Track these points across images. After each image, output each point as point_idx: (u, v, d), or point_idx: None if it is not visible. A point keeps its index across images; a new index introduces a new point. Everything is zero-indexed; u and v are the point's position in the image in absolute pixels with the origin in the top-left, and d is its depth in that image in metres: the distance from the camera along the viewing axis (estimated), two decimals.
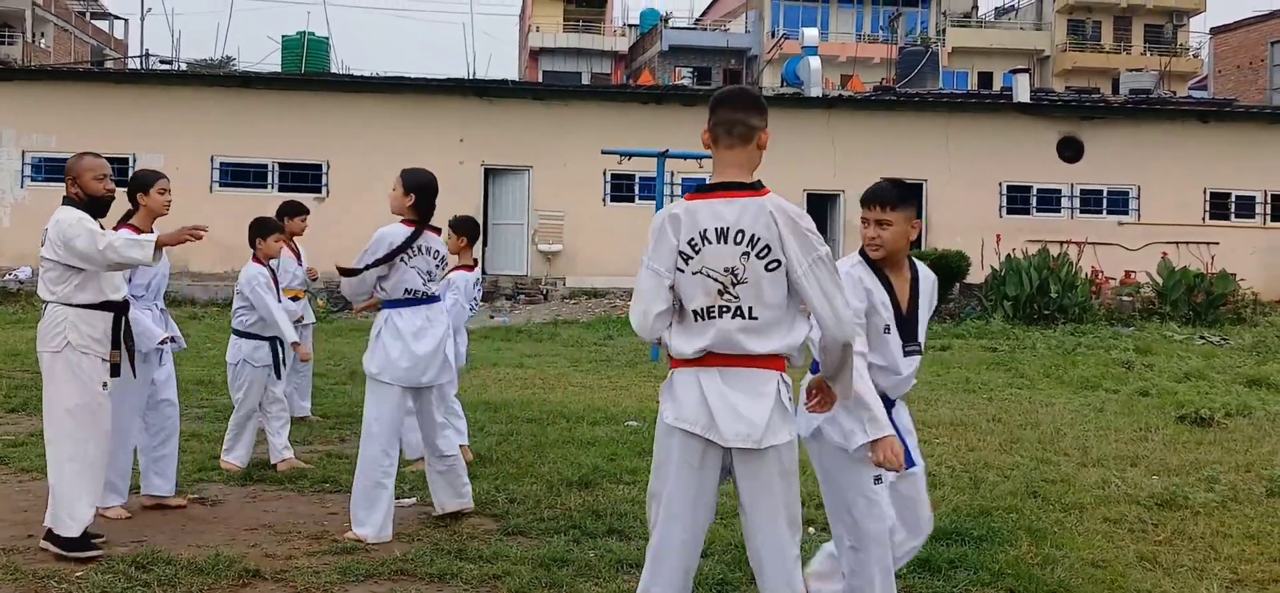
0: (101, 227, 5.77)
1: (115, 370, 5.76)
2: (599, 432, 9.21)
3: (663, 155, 17.53)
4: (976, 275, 23.34)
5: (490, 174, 25.39)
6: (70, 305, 5.63)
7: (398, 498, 6.99)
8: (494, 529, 6.30)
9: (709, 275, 3.65)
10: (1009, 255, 21.60)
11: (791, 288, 3.65)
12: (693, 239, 3.67)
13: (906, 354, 4.21)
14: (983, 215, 26.31)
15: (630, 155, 20.74)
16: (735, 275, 3.63)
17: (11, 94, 25.01)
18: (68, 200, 5.73)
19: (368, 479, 6.07)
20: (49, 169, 24.41)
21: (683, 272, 3.70)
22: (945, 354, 15.76)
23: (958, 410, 10.59)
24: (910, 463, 4.34)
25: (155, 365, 6.53)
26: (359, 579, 5.32)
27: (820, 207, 27.11)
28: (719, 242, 3.63)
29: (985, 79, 48.78)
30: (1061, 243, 23.67)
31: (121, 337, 5.79)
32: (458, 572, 5.41)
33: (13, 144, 24.77)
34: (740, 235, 3.62)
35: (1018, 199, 27.17)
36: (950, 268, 22.66)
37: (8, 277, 23.01)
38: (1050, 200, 27.34)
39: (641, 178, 24.55)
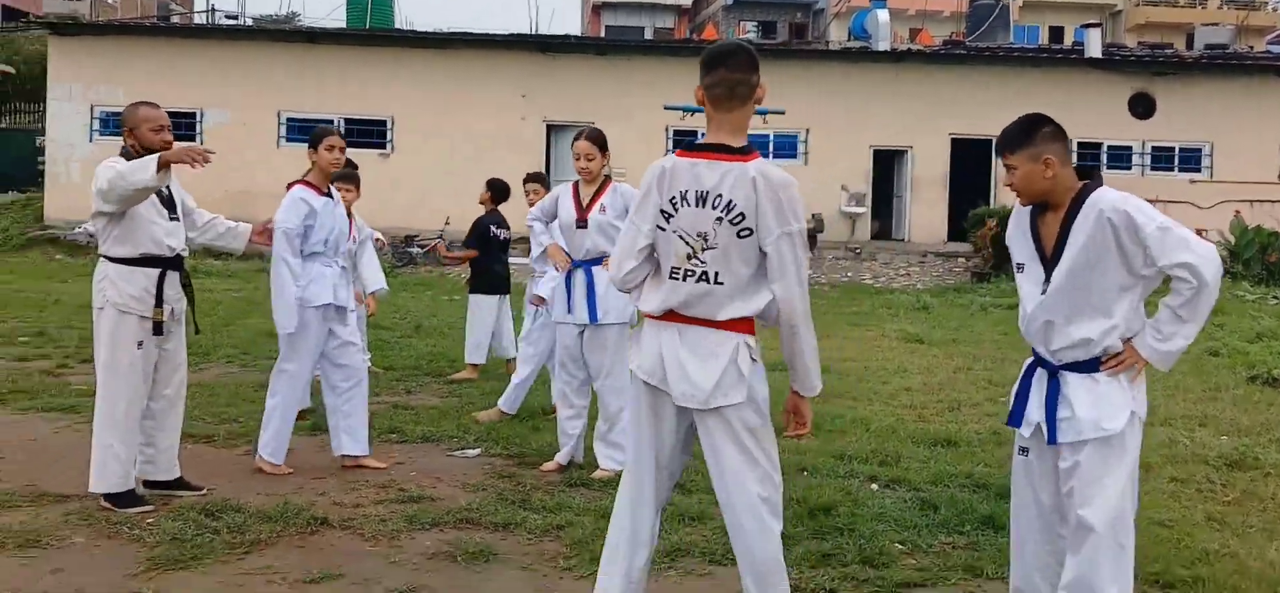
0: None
1: (158, 329, 5.62)
2: None
3: None
4: None
5: (552, 130, 25.40)
6: (110, 260, 5.57)
7: (462, 450, 7.10)
8: (558, 481, 6.36)
9: (682, 237, 3.68)
10: None
11: (761, 254, 3.63)
12: (673, 198, 3.69)
13: (1042, 295, 3.81)
14: None
15: (693, 111, 20.66)
16: (706, 240, 3.64)
17: (80, 49, 25.42)
18: (124, 153, 5.58)
19: None
20: (117, 124, 24.67)
21: (664, 230, 3.73)
22: (1012, 312, 15.55)
23: None
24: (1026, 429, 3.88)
25: (336, 321, 6.55)
26: (425, 527, 5.40)
27: (887, 163, 26.79)
28: (698, 205, 3.65)
29: (1056, 34, 47.71)
30: None
31: (168, 293, 5.65)
32: (521, 521, 5.47)
33: (81, 99, 25.17)
34: (718, 200, 3.62)
35: (1088, 156, 26.61)
36: None
37: (77, 230, 23.49)
38: (1121, 158, 26.75)
39: (704, 134, 24.41)
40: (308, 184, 6.49)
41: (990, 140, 25.97)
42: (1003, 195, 25.26)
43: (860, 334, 14.40)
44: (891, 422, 8.25)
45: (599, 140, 6.51)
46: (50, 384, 8.81)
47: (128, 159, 5.50)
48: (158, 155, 5.29)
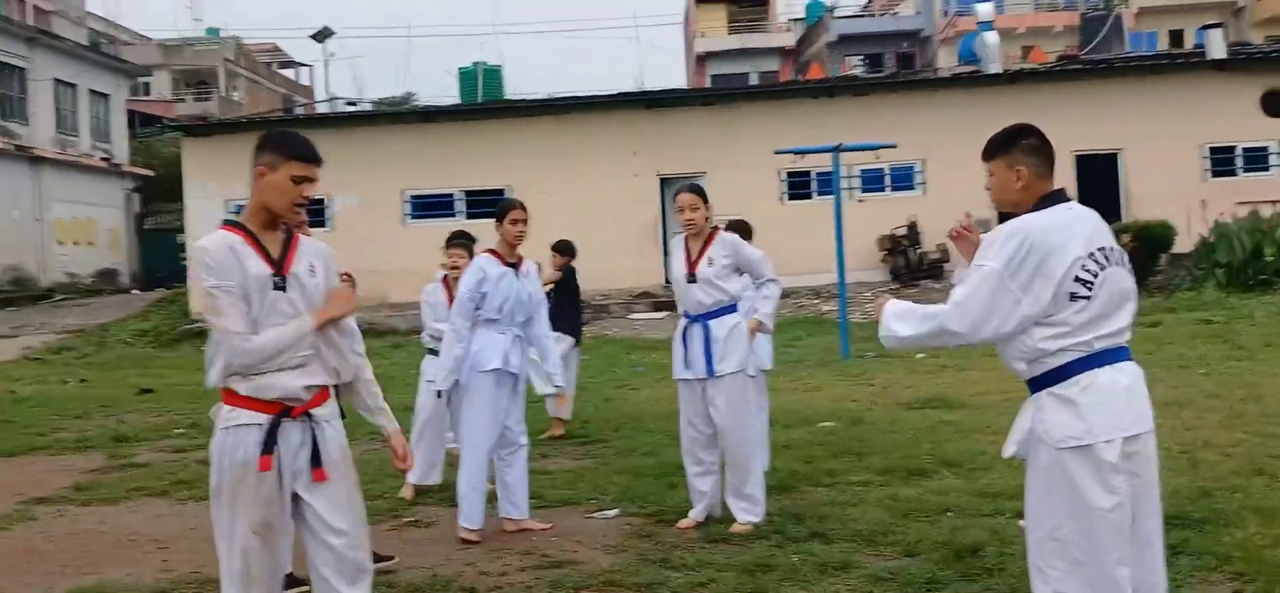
0: None
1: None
2: (794, 434, 9.17)
3: (837, 149, 17.36)
4: (1184, 244, 22.34)
5: (665, 183, 25.57)
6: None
7: (601, 511, 7.15)
8: (697, 537, 6.36)
9: None
10: (1217, 221, 20.50)
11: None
12: None
13: None
14: (1185, 181, 24.94)
15: (804, 153, 20.60)
16: None
17: (212, 148, 26.46)
18: None
19: None
20: None
21: None
22: (1157, 330, 15.06)
23: (1173, 388, 10.09)
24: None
25: (509, 387, 6.72)
26: (569, 592, 5.45)
27: None
28: None
29: (1176, 37, 46.31)
30: (1273, 202, 22.33)
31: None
32: (664, 581, 5.48)
33: (216, 195, 26.10)
34: None
35: (1222, 161, 25.68)
36: (1154, 239, 21.75)
37: None
38: (1258, 159, 25.73)
39: (818, 174, 24.31)
40: (492, 253, 6.83)
41: (1116, 153, 25.31)
42: (1134, 210, 24.52)
43: (995, 363, 14.06)
44: None
45: (700, 192, 6.62)
46: (207, 473, 9.10)
47: None
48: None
